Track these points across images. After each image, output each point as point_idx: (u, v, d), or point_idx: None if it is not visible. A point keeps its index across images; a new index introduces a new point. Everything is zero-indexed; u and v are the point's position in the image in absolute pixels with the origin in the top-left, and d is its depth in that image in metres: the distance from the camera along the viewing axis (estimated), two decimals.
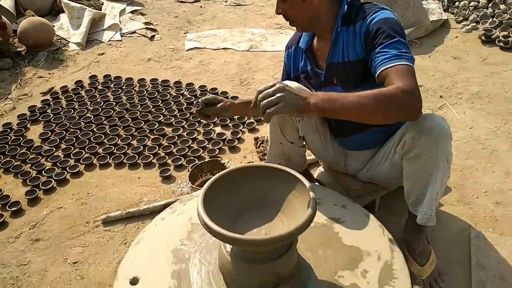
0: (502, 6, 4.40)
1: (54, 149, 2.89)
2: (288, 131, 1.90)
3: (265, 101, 1.37)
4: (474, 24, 4.34)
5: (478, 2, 4.63)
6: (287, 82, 1.86)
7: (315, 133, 1.95)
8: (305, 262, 1.58)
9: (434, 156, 1.60)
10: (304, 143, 2.02)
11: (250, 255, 1.42)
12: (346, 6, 1.72)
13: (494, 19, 4.28)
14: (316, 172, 2.36)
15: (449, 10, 4.74)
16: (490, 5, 4.51)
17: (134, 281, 1.59)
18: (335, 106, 1.41)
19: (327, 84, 1.83)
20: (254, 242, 1.29)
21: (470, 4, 4.63)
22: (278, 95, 1.37)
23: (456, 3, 4.79)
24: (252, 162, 2.68)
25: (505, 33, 3.99)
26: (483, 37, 4.05)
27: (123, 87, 3.56)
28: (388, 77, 1.51)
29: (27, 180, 2.61)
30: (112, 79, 3.68)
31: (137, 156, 2.77)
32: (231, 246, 1.46)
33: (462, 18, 4.52)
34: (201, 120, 3.10)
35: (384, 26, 1.60)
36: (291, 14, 1.71)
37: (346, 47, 1.73)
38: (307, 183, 1.43)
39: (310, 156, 2.52)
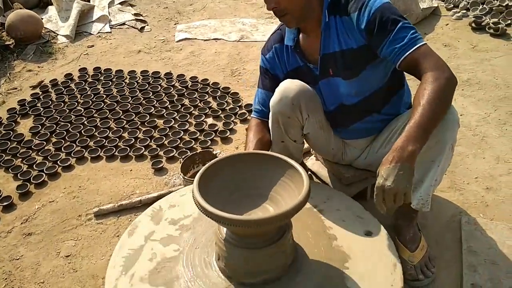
0: None
1: (45, 143, 2.87)
2: (292, 131, 1.86)
3: (390, 202, 1.38)
4: (464, 11, 4.33)
5: None
6: (289, 81, 1.81)
7: (319, 129, 1.91)
8: (301, 250, 1.60)
9: (440, 142, 1.59)
10: (304, 140, 2.00)
11: (243, 241, 1.43)
12: None
13: (484, 6, 4.28)
14: (308, 161, 2.37)
15: None
16: None
17: None
18: (426, 135, 1.42)
19: (323, 76, 1.81)
20: (252, 222, 1.30)
21: None
22: (393, 186, 1.36)
23: None
24: None
25: (495, 20, 4.00)
26: (473, 24, 4.05)
27: (113, 80, 3.53)
28: (415, 63, 1.56)
29: (18, 175, 2.60)
30: (102, 71, 3.65)
31: (128, 149, 2.76)
32: (225, 233, 1.47)
33: (452, 5, 4.52)
34: (193, 112, 3.11)
35: (385, 13, 1.60)
36: (285, 4, 1.66)
37: (340, 36, 1.71)
38: (301, 169, 1.44)
39: None
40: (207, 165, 1.51)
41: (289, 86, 1.78)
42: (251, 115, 2.01)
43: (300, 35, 1.84)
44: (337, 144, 2.03)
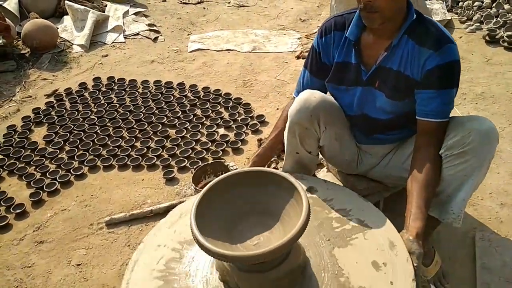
0: (506, 6, 4.37)
1: (58, 151, 2.89)
2: (308, 142, 1.86)
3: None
4: (478, 24, 4.31)
5: (482, 2, 4.60)
6: (309, 92, 1.81)
7: (334, 141, 1.90)
8: (310, 278, 1.55)
9: (480, 156, 1.60)
10: (318, 152, 1.99)
11: (247, 265, 1.41)
12: (414, 14, 1.68)
13: (498, 19, 4.25)
14: (320, 173, 2.36)
15: (453, 10, 4.72)
16: (494, 5, 4.47)
17: None
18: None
19: (367, 84, 1.78)
20: (243, 258, 1.28)
21: (474, 4, 4.60)
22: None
23: (460, 3, 4.77)
24: None
25: (510, 33, 3.97)
26: (487, 37, 4.02)
27: (127, 89, 3.57)
28: (424, 131, 1.70)
29: (31, 182, 2.62)
30: (116, 81, 3.69)
31: (140, 158, 2.78)
32: None
33: (466, 18, 4.50)
34: (205, 122, 3.12)
35: (450, 71, 1.65)
36: (380, 3, 1.60)
37: (404, 59, 1.69)
38: (302, 191, 1.40)
39: None
40: (205, 188, 1.46)
41: (309, 97, 1.78)
42: (293, 94, 2.01)
43: (364, 34, 1.78)
44: (351, 154, 2.01)
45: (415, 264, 1.48)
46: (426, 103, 1.67)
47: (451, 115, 1.73)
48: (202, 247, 1.30)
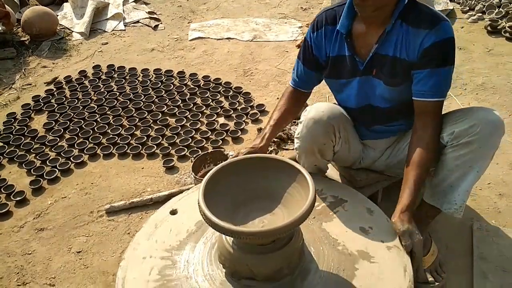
0: None
1: (58, 139, 2.90)
2: (327, 154, 1.88)
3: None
4: (480, 14, 4.29)
5: None
6: (315, 108, 1.80)
7: (344, 144, 1.91)
8: (309, 254, 1.58)
9: (485, 147, 1.61)
10: None
11: (250, 246, 1.42)
12: None
13: (501, 9, 4.23)
14: None
15: (455, 0, 4.69)
16: None
17: None
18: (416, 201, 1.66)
19: (364, 73, 1.78)
20: (252, 233, 1.29)
21: None
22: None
23: None
24: None
25: (511, 23, 3.95)
26: (489, 28, 4.00)
27: (127, 77, 3.56)
28: (420, 112, 1.71)
29: (31, 170, 2.63)
30: (116, 69, 3.68)
31: (140, 147, 2.78)
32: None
33: (468, 8, 4.47)
34: (205, 111, 3.12)
35: (446, 48, 1.65)
36: None
37: (399, 43, 1.68)
38: (307, 175, 1.43)
39: None
40: (211, 172, 1.48)
41: (315, 115, 1.78)
42: (289, 83, 2.02)
43: (355, 24, 1.76)
44: (357, 153, 2.02)
45: (408, 242, 1.55)
46: (423, 83, 1.67)
47: (452, 107, 1.73)
48: (229, 231, 1.31)
